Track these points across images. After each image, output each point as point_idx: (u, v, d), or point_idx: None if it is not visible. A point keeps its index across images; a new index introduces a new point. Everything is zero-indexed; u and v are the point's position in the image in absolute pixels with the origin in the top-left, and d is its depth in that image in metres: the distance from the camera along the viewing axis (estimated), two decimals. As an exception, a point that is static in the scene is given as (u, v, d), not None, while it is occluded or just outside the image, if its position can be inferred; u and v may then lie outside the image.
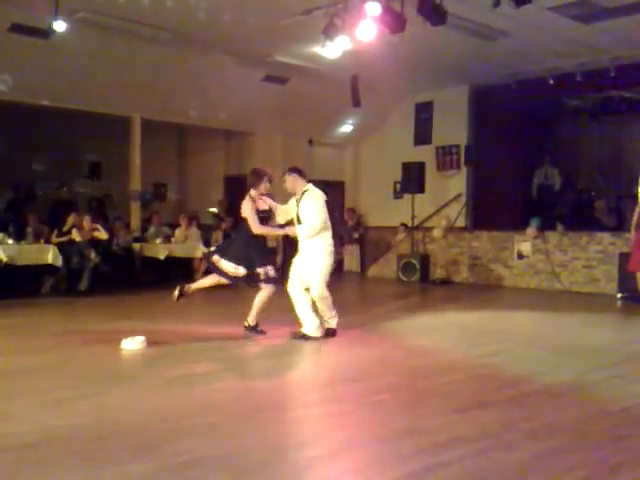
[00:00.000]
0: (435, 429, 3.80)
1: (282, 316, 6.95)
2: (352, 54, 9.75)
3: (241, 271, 6.42)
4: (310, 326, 6.56)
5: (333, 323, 6.73)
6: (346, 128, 15.11)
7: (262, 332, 6.68)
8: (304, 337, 6.53)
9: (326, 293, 6.57)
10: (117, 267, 10.89)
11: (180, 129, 14.97)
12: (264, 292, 6.57)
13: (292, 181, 6.60)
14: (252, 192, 6.60)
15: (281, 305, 6.88)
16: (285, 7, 9.00)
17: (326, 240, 6.56)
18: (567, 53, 10.96)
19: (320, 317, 6.63)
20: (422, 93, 14.04)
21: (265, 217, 6.63)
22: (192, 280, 9.92)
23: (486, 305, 9.94)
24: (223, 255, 6.51)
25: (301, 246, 6.63)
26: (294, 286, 6.60)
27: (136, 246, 11.57)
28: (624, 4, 8.73)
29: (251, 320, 6.66)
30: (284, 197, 6.89)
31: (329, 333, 6.67)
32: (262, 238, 6.85)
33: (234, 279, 6.51)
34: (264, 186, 6.61)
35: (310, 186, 6.61)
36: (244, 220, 6.56)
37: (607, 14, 9.12)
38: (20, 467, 3.18)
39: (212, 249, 7.01)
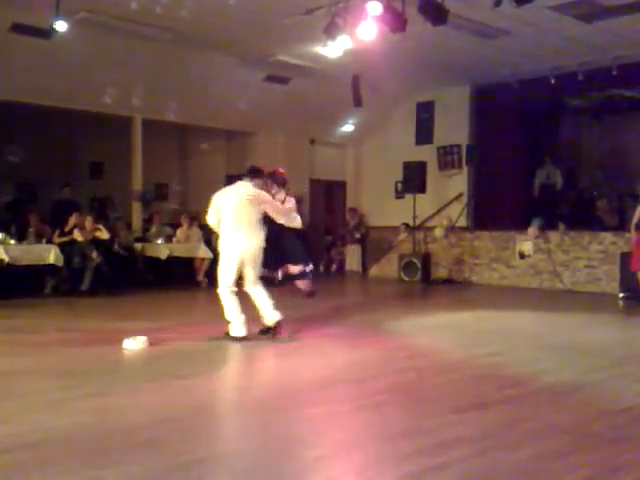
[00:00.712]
0: (435, 429, 3.79)
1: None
2: (353, 54, 9.74)
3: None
4: (271, 317, 6.52)
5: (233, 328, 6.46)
6: (347, 128, 15.08)
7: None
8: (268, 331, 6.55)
9: (222, 293, 6.43)
10: (119, 267, 10.88)
11: (182, 129, 14.95)
12: None
13: None
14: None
15: (280, 306, 6.88)
16: (286, 7, 8.99)
17: (223, 238, 6.61)
18: (568, 52, 10.93)
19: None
20: (423, 93, 14.01)
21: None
22: (194, 280, 9.90)
23: (487, 305, 9.93)
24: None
25: None
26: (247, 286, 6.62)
27: (138, 246, 11.58)
28: (625, 3, 8.70)
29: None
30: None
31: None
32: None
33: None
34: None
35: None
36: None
37: (608, 13, 9.10)
38: (20, 467, 3.17)
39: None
